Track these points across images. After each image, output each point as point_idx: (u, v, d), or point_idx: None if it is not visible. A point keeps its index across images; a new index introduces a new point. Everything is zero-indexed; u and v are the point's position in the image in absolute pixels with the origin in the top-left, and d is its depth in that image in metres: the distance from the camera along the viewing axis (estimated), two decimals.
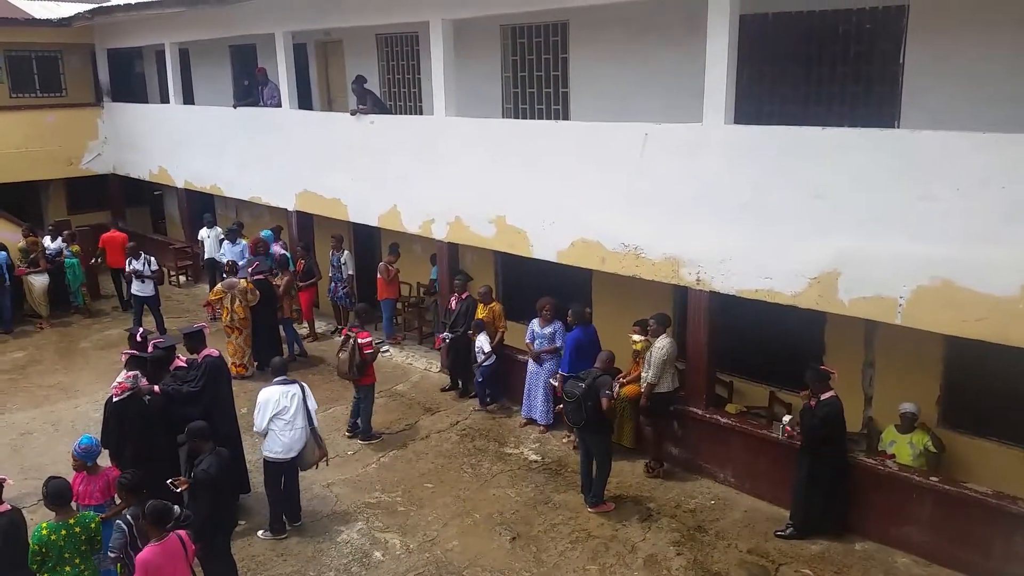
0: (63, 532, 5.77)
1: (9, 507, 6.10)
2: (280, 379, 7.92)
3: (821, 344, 8.85)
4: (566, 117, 10.99)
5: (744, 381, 9.71)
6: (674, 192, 8.28)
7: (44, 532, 5.76)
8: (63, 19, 17.80)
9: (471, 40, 11.24)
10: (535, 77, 11.38)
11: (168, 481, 6.46)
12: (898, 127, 7.88)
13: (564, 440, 9.59)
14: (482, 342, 10.30)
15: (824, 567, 7.16)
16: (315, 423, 7.92)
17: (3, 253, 14.01)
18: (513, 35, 11.48)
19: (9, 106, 18.71)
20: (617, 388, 8.98)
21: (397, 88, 13.72)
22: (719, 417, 8.52)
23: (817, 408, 7.33)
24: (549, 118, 11.18)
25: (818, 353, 8.71)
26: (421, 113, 13.07)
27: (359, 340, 9.44)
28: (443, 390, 11.26)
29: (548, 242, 9.66)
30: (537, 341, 9.84)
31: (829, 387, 7.37)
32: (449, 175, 10.85)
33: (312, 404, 7.94)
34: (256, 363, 12.06)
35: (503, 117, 11.66)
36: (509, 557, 7.47)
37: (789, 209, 7.45)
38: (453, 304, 10.99)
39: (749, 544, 7.55)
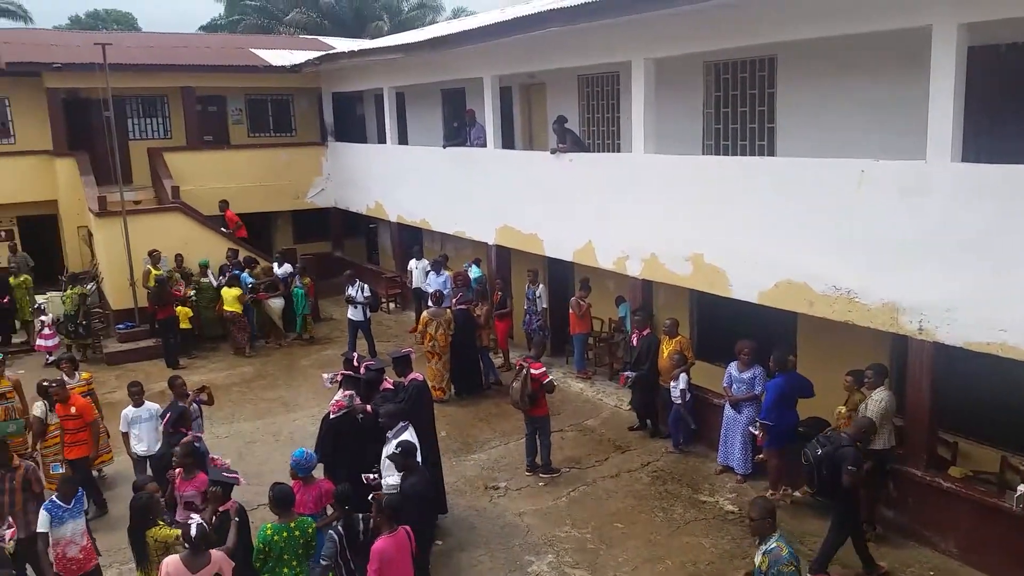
0: (284, 534, 6.25)
1: (236, 504, 6.76)
2: (403, 425, 7.89)
3: None
4: (771, 153, 10.66)
5: (971, 443, 8.82)
6: (892, 233, 7.76)
7: (268, 532, 6.28)
8: (295, 66, 19.75)
9: (672, 77, 11.21)
10: (739, 113, 11.16)
11: (363, 475, 6.87)
12: None
13: (776, 494, 8.96)
14: (680, 381, 10.10)
15: None
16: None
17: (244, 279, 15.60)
18: (717, 71, 11.34)
19: (248, 144, 21.02)
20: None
21: (596, 127, 13.95)
22: (941, 481, 7.79)
23: None
24: (752, 155, 10.90)
25: None
26: (619, 151, 13.18)
27: (532, 371, 9.54)
28: (631, 429, 11.16)
29: (749, 282, 9.37)
30: (735, 386, 9.51)
31: None
32: (645, 212, 10.83)
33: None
34: (453, 388, 12.61)
35: (703, 154, 11.51)
36: None
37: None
38: (634, 341, 10.90)
39: None
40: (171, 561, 5.80)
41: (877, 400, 7.84)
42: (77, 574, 6.90)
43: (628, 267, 11.36)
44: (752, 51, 10.37)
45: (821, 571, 7.34)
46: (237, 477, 6.96)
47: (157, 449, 8.94)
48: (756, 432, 9.15)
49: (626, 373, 11.06)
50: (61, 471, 9.60)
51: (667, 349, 10.44)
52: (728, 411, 9.63)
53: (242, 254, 16.73)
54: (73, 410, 9.19)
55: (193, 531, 5.80)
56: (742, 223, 9.40)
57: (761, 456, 9.29)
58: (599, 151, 13.70)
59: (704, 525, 8.64)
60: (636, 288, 11.44)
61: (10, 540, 6.89)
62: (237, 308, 15.25)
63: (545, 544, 8.38)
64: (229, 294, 15.20)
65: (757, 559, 5.39)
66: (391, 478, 7.28)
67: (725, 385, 9.64)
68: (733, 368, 9.55)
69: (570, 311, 13.07)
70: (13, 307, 15.89)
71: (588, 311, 13.03)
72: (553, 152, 12.55)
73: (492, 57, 13.46)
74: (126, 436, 9.24)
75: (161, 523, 6.42)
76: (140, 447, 9.16)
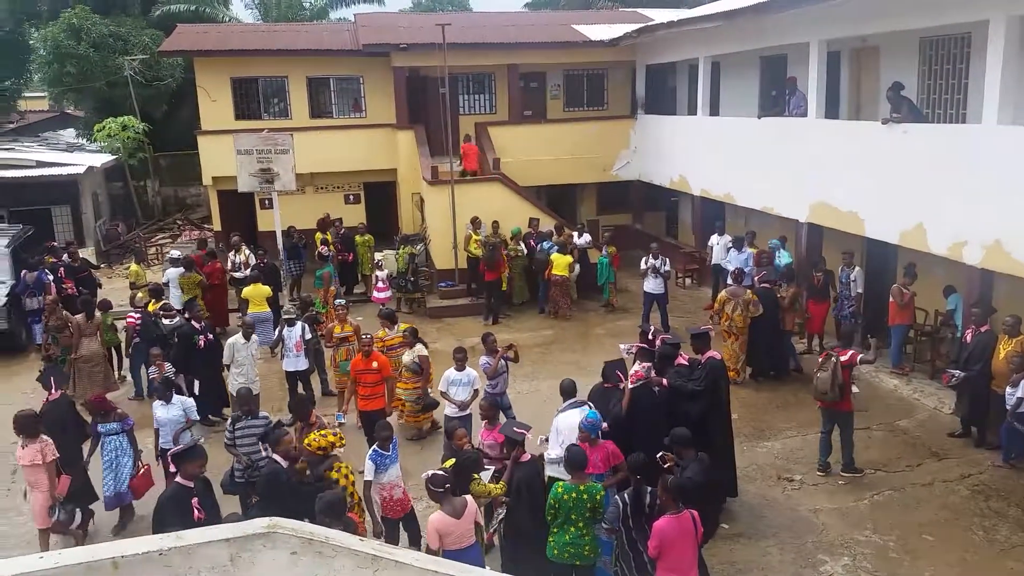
0: (573, 495, 6.49)
1: (531, 456, 7.14)
2: (572, 402, 7.87)
3: None
4: None
5: None
6: None
7: (559, 491, 6.56)
8: (613, 39, 20.06)
9: None
10: None
11: (658, 455, 6.87)
12: None
13: None
14: (1019, 387, 8.81)
15: None
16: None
17: (543, 246, 16.27)
18: None
19: (562, 119, 21.85)
20: None
21: (938, 95, 12.45)
22: None
23: None
24: None
25: None
26: (963, 122, 11.66)
27: (841, 359, 8.85)
28: (951, 435, 9.99)
29: None
30: None
31: None
32: (992, 190, 9.53)
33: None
34: (750, 370, 12.18)
35: None
36: None
37: None
38: (968, 338, 9.67)
39: None
40: (435, 517, 6.21)
41: None
42: (401, 514, 7.64)
43: (965, 254, 10.08)
44: None
45: None
46: (525, 433, 7.31)
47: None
48: None
49: (951, 371, 9.87)
50: (343, 421, 10.79)
51: (1005, 349, 9.17)
52: None
53: (547, 222, 17.47)
54: (375, 364, 9.69)
55: (436, 475, 6.24)
56: None
57: None
58: (939, 122, 12.24)
59: None
60: (973, 278, 10.14)
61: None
62: (566, 273, 15.99)
63: (841, 545, 7.85)
64: (561, 260, 15.99)
65: None
66: (555, 450, 7.42)
67: None
68: None
69: (890, 299, 11.90)
70: (356, 262, 18.19)
71: (911, 300, 11.77)
72: (885, 122, 11.45)
73: (821, 19, 12.58)
74: (444, 394, 9.52)
75: (477, 478, 6.82)
76: (450, 410, 9.44)
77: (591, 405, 7.89)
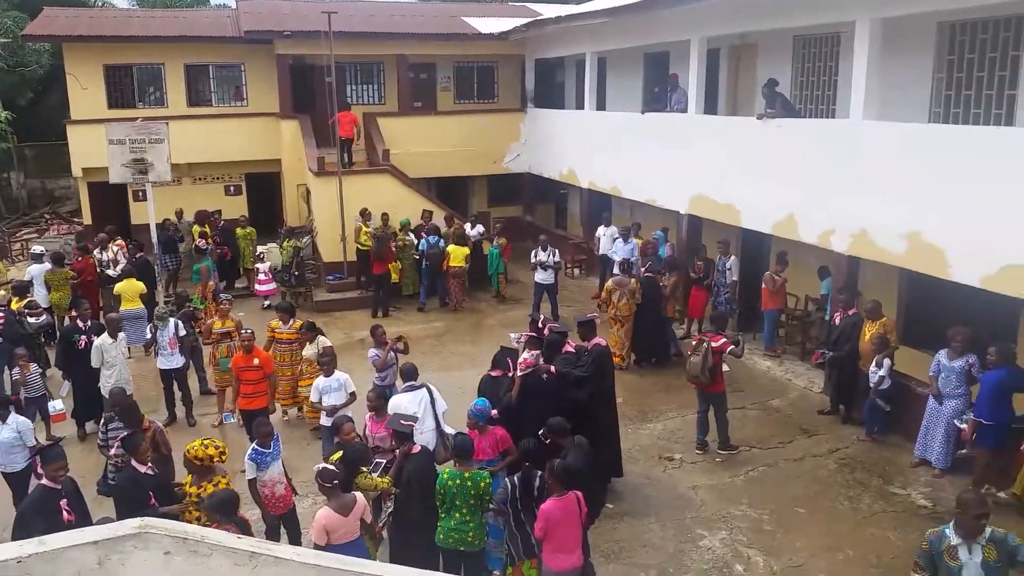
0: (458, 481, 6.50)
1: (420, 448, 7.11)
2: (408, 385, 8.07)
3: None
4: (1010, 123, 9.54)
5: None
6: None
7: (444, 476, 6.58)
8: (503, 33, 20.16)
9: (899, 39, 10.31)
10: (974, 78, 10.06)
11: (540, 432, 6.98)
12: None
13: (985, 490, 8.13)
14: (883, 365, 9.42)
15: None
16: (443, 425, 7.91)
17: (425, 241, 16.08)
18: (952, 32, 10.28)
19: (453, 111, 21.82)
20: None
21: (810, 91, 13.13)
22: None
23: None
24: (988, 124, 9.81)
25: None
26: (833, 117, 12.35)
27: (712, 344, 9.24)
28: (821, 412, 10.57)
29: (971, 265, 8.50)
30: (943, 375, 8.72)
31: None
32: (858, 184, 10.11)
33: (441, 407, 7.98)
34: (634, 356, 12.52)
35: (931, 122, 10.51)
36: None
37: None
38: (837, 320, 10.27)
39: None
40: (322, 513, 6.06)
41: None
42: (283, 511, 7.45)
43: (834, 242, 10.69)
44: (998, 9, 9.29)
45: None
46: (412, 425, 7.28)
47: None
48: (963, 426, 8.38)
49: (821, 351, 10.47)
50: (233, 421, 10.49)
51: (869, 331, 9.75)
52: (931, 401, 8.89)
53: (439, 214, 17.42)
54: (256, 361, 9.43)
55: (332, 467, 6.14)
56: (969, 199, 8.57)
57: (966, 451, 8.51)
58: (811, 118, 12.92)
59: (892, 518, 8.07)
60: (841, 265, 10.75)
61: None
62: (463, 264, 15.97)
63: (719, 520, 8.18)
64: (458, 251, 15.94)
65: (978, 556, 4.92)
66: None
67: (932, 373, 8.88)
68: (943, 356, 8.76)
69: (763, 286, 12.51)
70: (237, 255, 17.59)
71: (783, 287, 12.41)
72: (760, 117, 11.97)
73: (702, 18, 13.01)
74: (315, 405, 9.00)
75: (365, 471, 6.75)
76: (324, 420, 8.79)
77: (428, 391, 8.02)
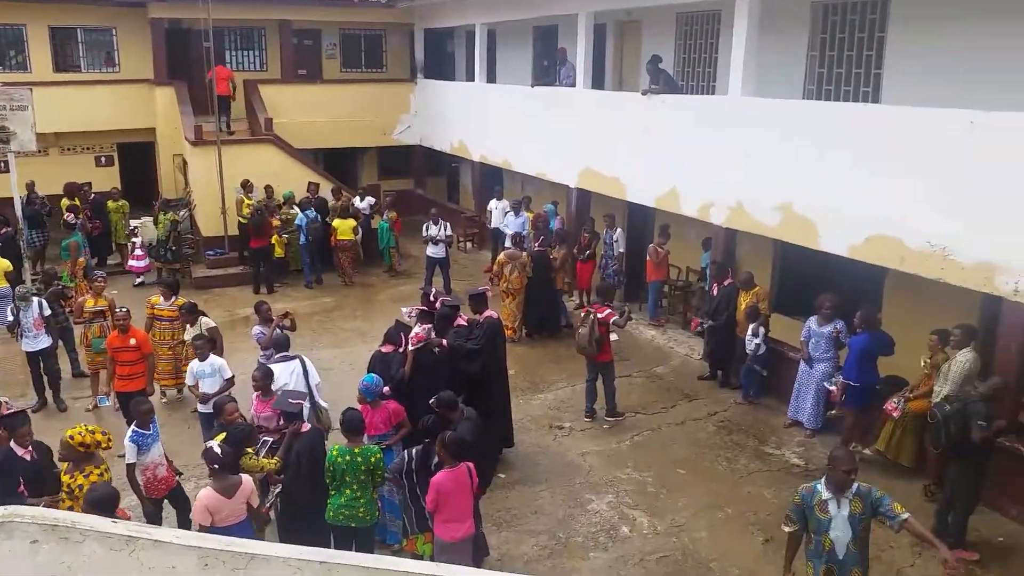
0: (347, 457, 6.42)
1: (310, 427, 7.00)
2: (280, 356, 8.11)
3: None
4: (876, 101, 10.12)
5: None
6: (998, 190, 7.29)
7: (334, 453, 6.48)
8: (389, 0, 19.72)
9: (776, 18, 10.72)
10: (845, 57, 10.60)
11: (431, 401, 6.99)
12: None
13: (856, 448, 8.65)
14: (754, 332, 9.90)
15: None
16: (316, 397, 7.95)
17: (303, 216, 15.69)
18: (825, 12, 10.78)
19: (339, 80, 21.26)
20: (903, 402, 8.26)
21: (692, 68, 13.51)
22: (1020, 447, 7.44)
23: None
24: (856, 101, 10.38)
25: None
26: (714, 94, 12.76)
27: (598, 316, 9.47)
28: (701, 378, 11.04)
29: (839, 235, 9.00)
30: (813, 340, 9.25)
31: None
32: (735, 158, 10.49)
33: (314, 379, 8.07)
34: (525, 329, 12.69)
35: (804, 99, 11.02)
36: (760, 559, 7.16)
37: None
38: (715, 291, 10.72)
39: None
40: (205, 495, 5.89)
41: (961, 361, 7.50)
42: (165, 492, 7.19)
43: (712, 215, 11.08)
44: None
45: (960, 545, 6.96)
46: (302, 403, 7.14)
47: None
48: (832, 388, 8.93)
49: (700, 320, 10.91)
50: (108, 404, 10.02)
51: (744, 301, 10.22)
52: (802, 365, 9.42)
53: (326, 186, 17.01)
54: (132, 342, 9.06)
55: (218, 450, 5.95)
56: (838, 173, 9.01)
57: (835, 412, 9.08)
58: (693, 94, 13.29)
59: (767, 476, 8.54)
60: (719, 237, 11.17)
61: None
62: (351, 237, 15.63)
63: (606, 484, 8.44)
64: (344, 224, 15.58)
65: (844, 510, 5.26)
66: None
67: (803, 339, 9.40)
68: (813, 322, 9.28)
69: (647, 258, 12.88)
70: (109, 230, 16.65)
71: (666, 258, 12.82)
72: (645, 93, 12.22)
73: None
74: (192, 388, 8.70)
75: (249, 452, 6.58)
76: (201, 407, 8.44)
77: (301, 361, 8.00)
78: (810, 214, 9.39)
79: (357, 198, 17.06)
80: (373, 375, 7.55)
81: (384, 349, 8.32)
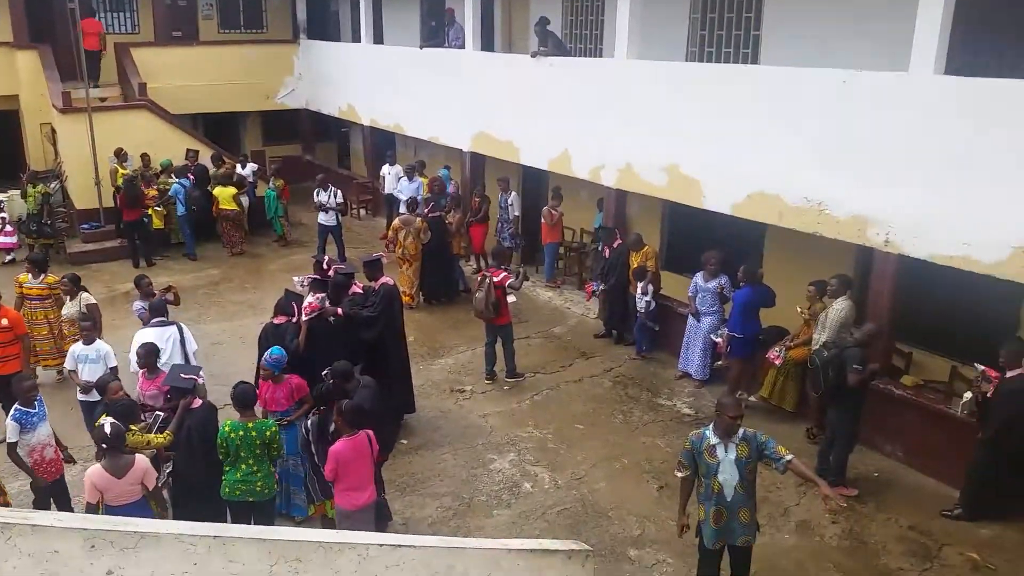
0: (240, 432, 6.25)
1: (202, 403, 6.77)
2: (157, 320, 8.02)
3: (1015, 319, 8.06)
4: (755, 62, 10.47)
5: (924, 353, 9.02)
6: (868, 146, 7.71)
7: (226, 429, 6.31)
8: None
9: None
10: (725, 19, 10.89)
11: (324, 373, 6.90)
12: None
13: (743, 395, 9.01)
14: (644, 291, 10.18)
15: (994, 554, 6.65)
16: (192, 365, 7.79)
17: (178, 185, 15.06)
18: None
19: (217, 41, 20.28)
20: (784, 350, 8.70)
21: (579, 30, 13.58)
22: (893, 388, 8.00)
23: (1001, 383, 6.73)
24: (736, 63, 10.70)
25: (1011, 329, 7.93)
26: (602, 57, 12.88)
27: (494, 280, 9.52)
28: (597, 336, 11.29)
29: (723, 193, 9.32)
30: (700, 295, 9.60)
31: (1020, 364, 6.72)
32: (624, 120, 10.66)
33: (191, 346, 8.05)
34: (423, 295, 12.63)
35: (687, 61, 11.28)
36: (655, 505, 7.46)
37: (998, 171, 6.75)
38: (607, 252, 10.94)
39: (911, 520, 7.14)
40: (94, 471, 5.69)
41: (838, 309, 7.96)
42: (55, 476, 6.82)
43: (603, 176, 11.25)
44: None
45: (841, 483, 7.46)
46: (195, 378, 6.89)
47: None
48: (718, 340, 9.32)
49: (593, 286, 11.13)
50: None
51: (635, 261, 10.47)
52: (690, 320, 9.77)
53: (206, 153, 16.29)
54: (4, 321, 8.55)
55: (108, 429, 5.70)
56: (720, 133, 9.29)
57: (721, 363, 9.48)
58: (581, 56, 13.38)
59: (661, 427, 8.87)
60: (610, 198, 11.37)
61: None
62: (234, 206, 15.02)
63: (507, 443, 8.57)
64: (225, 192, 14.96)
65: (732, 454, 5.51)
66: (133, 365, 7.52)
67: (690, 295, 9.74)
68: (699, 278, 9.62)
69: (542, 220, 13.00)
70: None
71: (560, 221, 12.97)
72: (534, 55, 12.19)
73: None
74: (72, 373, 8.10)
75: (134, 428, 6.31)
76: (82, 395, 7.95)
77: (179, 328, 7.92)
78: (695, 174, 9.67)
79: (239, 165, 16.42)
80: (279, 348, 7.27)
81: (276, 321, 8.11)
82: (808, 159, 8.28)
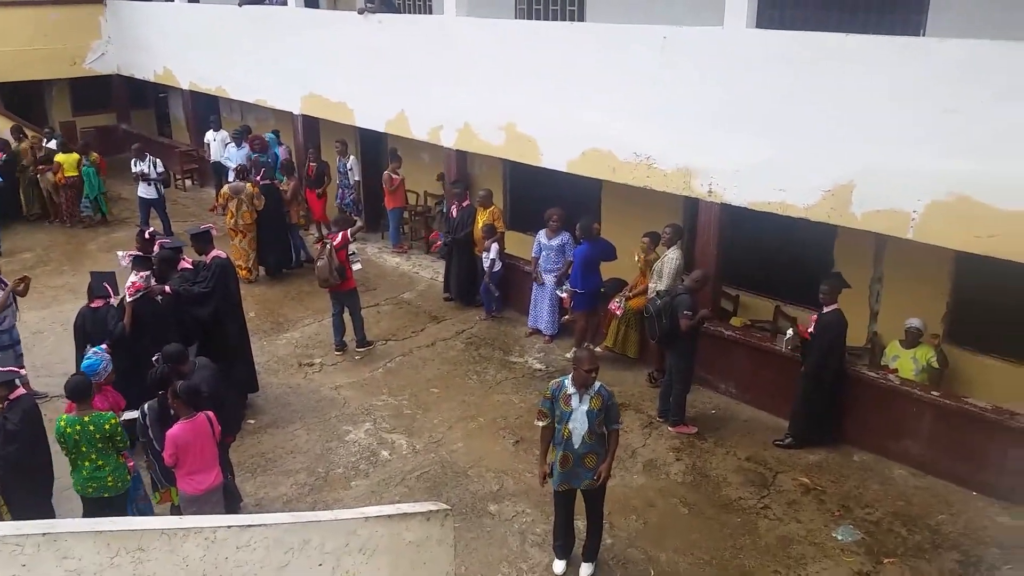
0: (78, 427, 5.85)
1: (24, 392, 6.23)
2: None
3: (830, 259, 8.79)
4: (581, 19, 10.66)
5: (750, 295, 9.70)
6: (690, 100, 8.07)
7: (62, 424, 5.89)
8: None
9: None
10: None
11: (154, 359, 6.52)
12: (924, 35, 7.61)
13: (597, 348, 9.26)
14: (492, 250, 10.26)
15: (821, 476, 7.31)
16: None
17: None
18: None
19: (10, 3, 18.22)
20: (624, 301, 9.05)
21: None
22: (723, 330, 8.54)
23: (819, 319, 7.36)
24: (564, 20, 10.85)
25: (827, 268, 8.66)
26: (431, 13, 12.67)
27: (334, 244, 9.29)
28: (447, 299, 11.27)
29: (559, 151, 9.50)
30: (544, 253, 9.79)
31: (835, 300, 7.37)
32: (459, 80, 10.58)
33: None
34: (261, 268, 12.13)
35: (516, 19, 11.31)
36: (512, 459, 7.63)
37: (807, 120, 7.26)
38: (454, 212, 10.93)
39: (748, 452, 7.69)
40: None
41: (671, 259, 8.37)
42: None
43: (442, 137, 11.16)
44: None
45: (682, 422, 7.99)
46: (13, 370, 6.33)
47: None
48: (563, 295, 9.57)
49: (441, 236, 11.12)
50: None
51: (482, 220, 10.52)
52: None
53: (6, 125, 14.77)
54: None
55: None
56: (553, 91, 9.41)
57: (567, 317, 9.74)
58: (412, 13, 13.10)
59: (514, 383, 9.05)
60: (451, 159, 11.31)
61: None
62: (76, 173, 13.92)
63: (362, 413, 8.46)
64: (68, 159, 13.76)
65: (585, 405, 5.69)
66: None
67: (534, 255, 9.90)
68: (542, 236, 9.80)
69: (383, 186, 12.76)
70: None
71: (401, 184, 12.78)
72: (361, 12, 11.78)
73: None
74: None
75: None
76: None
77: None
78: (532, 132, 9.78)
79: (45, 138, 15.00)
80: (94, 358, 6.51)
81: (93, 305, 7.54)
82: (635, 115, 8.56)
